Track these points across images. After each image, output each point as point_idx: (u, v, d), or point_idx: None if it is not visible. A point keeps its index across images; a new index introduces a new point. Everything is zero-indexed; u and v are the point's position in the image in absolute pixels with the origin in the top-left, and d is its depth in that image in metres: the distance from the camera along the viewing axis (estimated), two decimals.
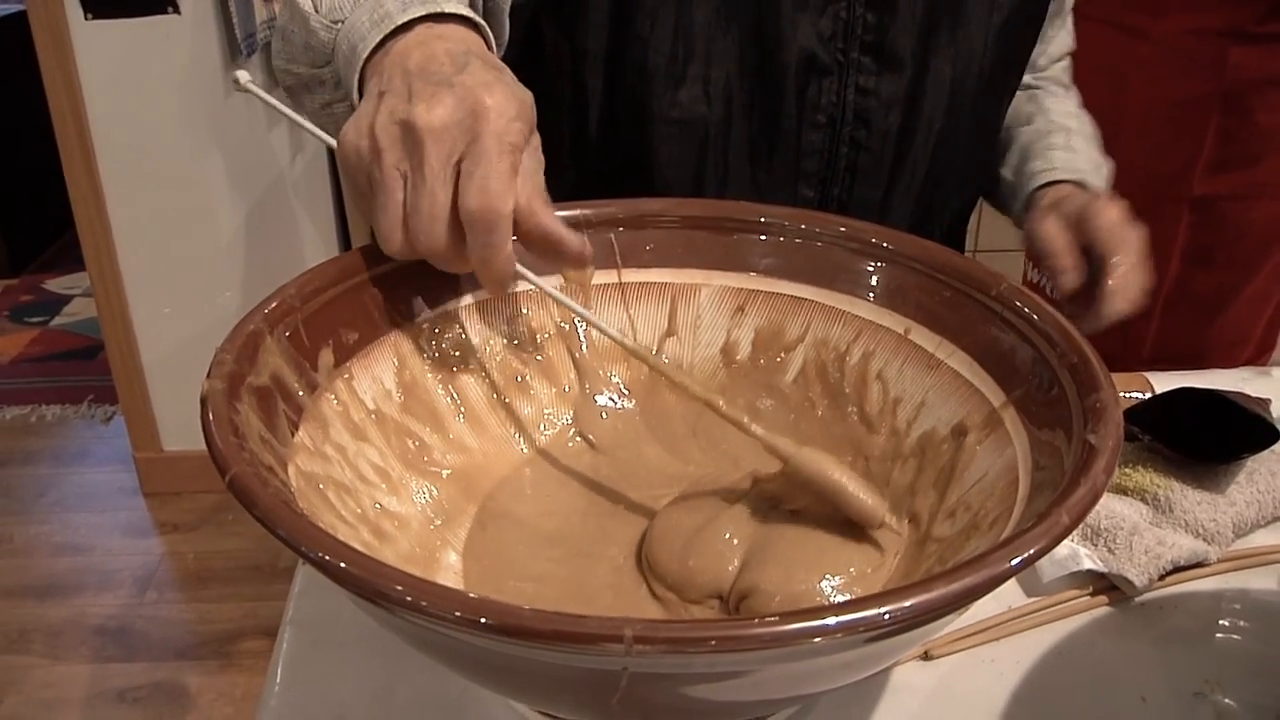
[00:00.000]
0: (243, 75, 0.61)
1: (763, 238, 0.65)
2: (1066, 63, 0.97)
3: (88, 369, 2.71)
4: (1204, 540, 0.61)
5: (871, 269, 0.63)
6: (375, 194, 0.52)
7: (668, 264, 0.67)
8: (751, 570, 0.51)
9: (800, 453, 0.52)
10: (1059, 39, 0.95)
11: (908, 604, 0.33)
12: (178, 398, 2.13)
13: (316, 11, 0.63)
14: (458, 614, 0.32)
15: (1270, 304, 1.49)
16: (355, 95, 0.58)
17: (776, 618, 0.31)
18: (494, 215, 0.49)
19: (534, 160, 0.54)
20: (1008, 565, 0.35)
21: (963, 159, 0.88)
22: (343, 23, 0.60)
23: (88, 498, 2.22)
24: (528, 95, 0.53)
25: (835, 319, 0.64)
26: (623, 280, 0.67)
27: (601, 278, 0.66)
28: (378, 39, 0.56)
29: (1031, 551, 0.35)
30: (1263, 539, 0.64)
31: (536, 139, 0.54)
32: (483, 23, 0.60)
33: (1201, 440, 0.65)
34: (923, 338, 0.60)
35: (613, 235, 0.67)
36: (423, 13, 0.56)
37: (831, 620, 0.33)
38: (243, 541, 2.02)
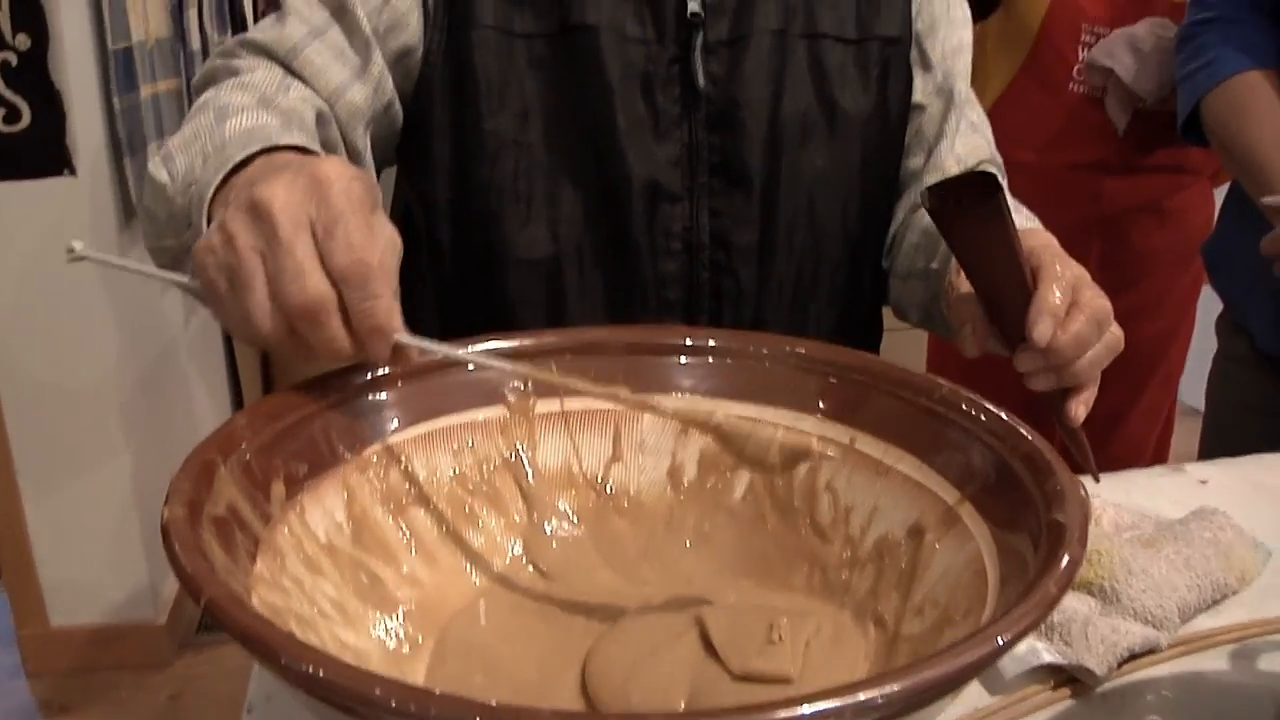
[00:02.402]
0: (77, 244, 0.60)
1: (710, 360, 0.66)
2: (992, 169, 0.87)
3: None
4: (1153, 627, 0.62)
5: (813, 384, 0.64)
6: (236, 281, 0.50)
7: None
8: (704, 701, 0.50)
9: (718, 417, 0.53)
10: (967, 139, 0.89)
11: (911, 682, 0.34)
12: (67, 568, 2.01)
13: (173, 181, 0.64)
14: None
15: (1160, 417, 1.57)
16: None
17: (798, 699, 0.31)
18: (364, 266, 0.49)
19: (388, 234, 0.53)
20: (1003, 640, 0.36)
21: (833, 268, 0.88)
22: (195, 183, 0.61)
23: None
24: (367, 174, 0.54)
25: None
26: (565, 408, 0.67)
27: (544, 406, 0.66)
28: (219, 178, 0.57)
29: (1028, 622, 0.36)
30: (1204, 623, 0.66)
31: (393, 229, 0.54)
32: (318, 150, 0.61)
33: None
34: (869, 446, 0.61)
35: (554, 363, 0.67)
36: (259, 147, 0.58)
37: (842, 701, 0.32)
38: (137, 719, 1.90)
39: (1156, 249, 1.43)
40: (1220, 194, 1.33)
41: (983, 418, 0.54)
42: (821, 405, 0.63)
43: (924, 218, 0.88)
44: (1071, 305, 0.66)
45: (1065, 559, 0.39)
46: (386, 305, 0.50)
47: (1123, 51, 1.33)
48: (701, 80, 0.80)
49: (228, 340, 2.59)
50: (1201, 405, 1.25)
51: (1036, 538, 0.44)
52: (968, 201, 0.64)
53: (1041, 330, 0.64)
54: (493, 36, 0.78)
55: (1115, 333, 0.68)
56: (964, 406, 0.56)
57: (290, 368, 2.70)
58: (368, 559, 0.56)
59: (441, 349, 0.56)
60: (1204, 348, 1.54)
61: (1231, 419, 1.16)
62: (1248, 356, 1.12)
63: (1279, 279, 0.98)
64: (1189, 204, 1.45)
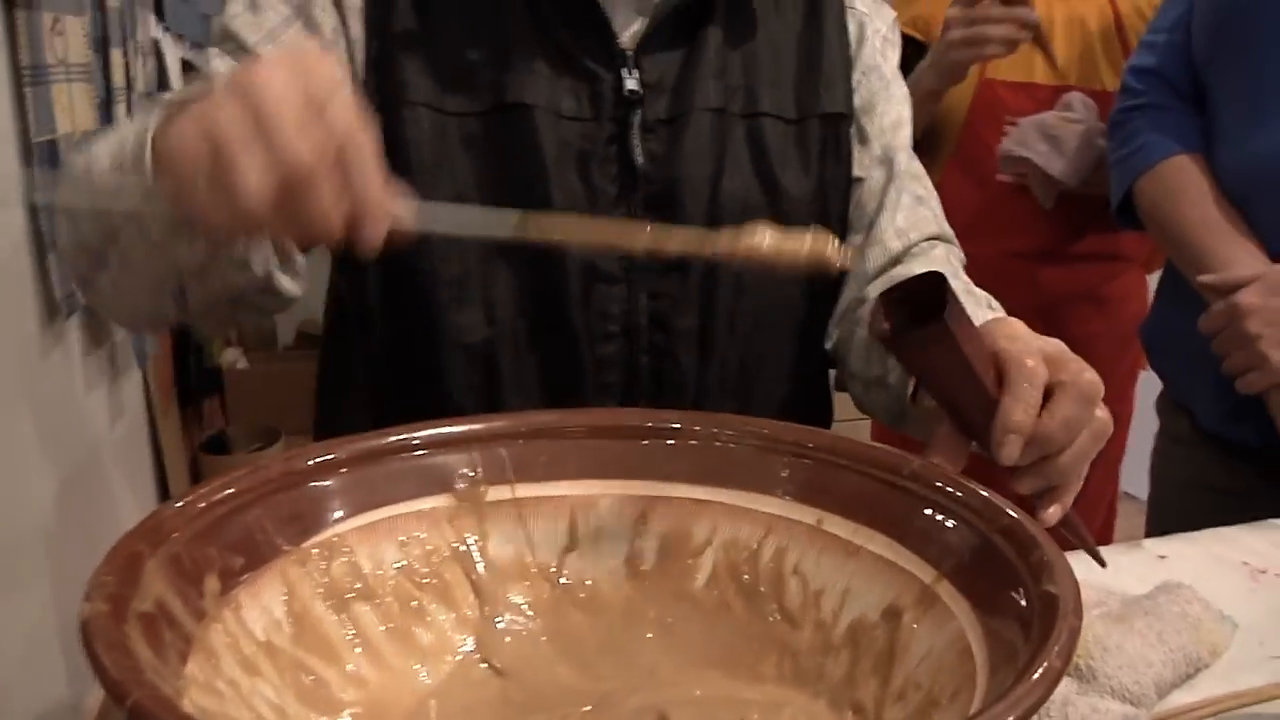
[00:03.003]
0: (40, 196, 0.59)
1: (670, 442, 0.64)
2: (942, 251, 0.87)
3: None
4: (1131, 704, 0.61)
5: (774, 464, 0.62)
6: (220, 154, 0.47)
7: (563, 476, 0.65)
8: None
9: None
10: (910, 212, 0.87)
11: None
12: None
13: (95, 163, 0.63)
14: None
15: (1104, 503, 1.58)
16: (149, 169, 0.56)
17: None
18: (360, 142, 0.49)
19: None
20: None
21: (777, 353, 0.86)
22: (129, 144, 0.60)
23: None
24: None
25: (742, 518, 0.62)
26: (517, 495, 0.64)
27: (495, 494, 0.63)
28: (166, 113, 0.55)
29: (1033, 701, 0.34)
30: (1179, 698, 0.64)
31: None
32: None
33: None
34: (837, 526, 0.59)
35: (504, 449, 0.64)
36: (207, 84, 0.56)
37: None
38: None
39: (1095, 336, 1.45)
40: (1153, 280, 1.36)
41: (957, 492, 0.53)
42: (787, 486, 0.61)
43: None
44: (1055, 385, 0.61)
45: (1064, 631, 0.37)
46: (381, 184, 0.50)
47: (1036, 140, 1.37)
48: (640, 159, 0.79)
49: (155, 444, 2.51)
50: (1135, 490, 1.25)
51: (1027, 612, 0.42)
52: (913, 319, 0.60)
53: (1008, 451, 0.60)
54: (425, 114, 0.77)
55: (1102, 416, 0.63)
56: (937, 482, 0.54)
57: (222, 471, 2.61)
58: (309, 658, 0.52)
59: (442, 220, 0.57)
60: (1136, 434, 1.57)
61: (1177, 497, 1.17)
62: (1189, 435, 1.13)
63: (1218, 356, 1.00)
64: (1124, 291, 1.48)
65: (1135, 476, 1.47)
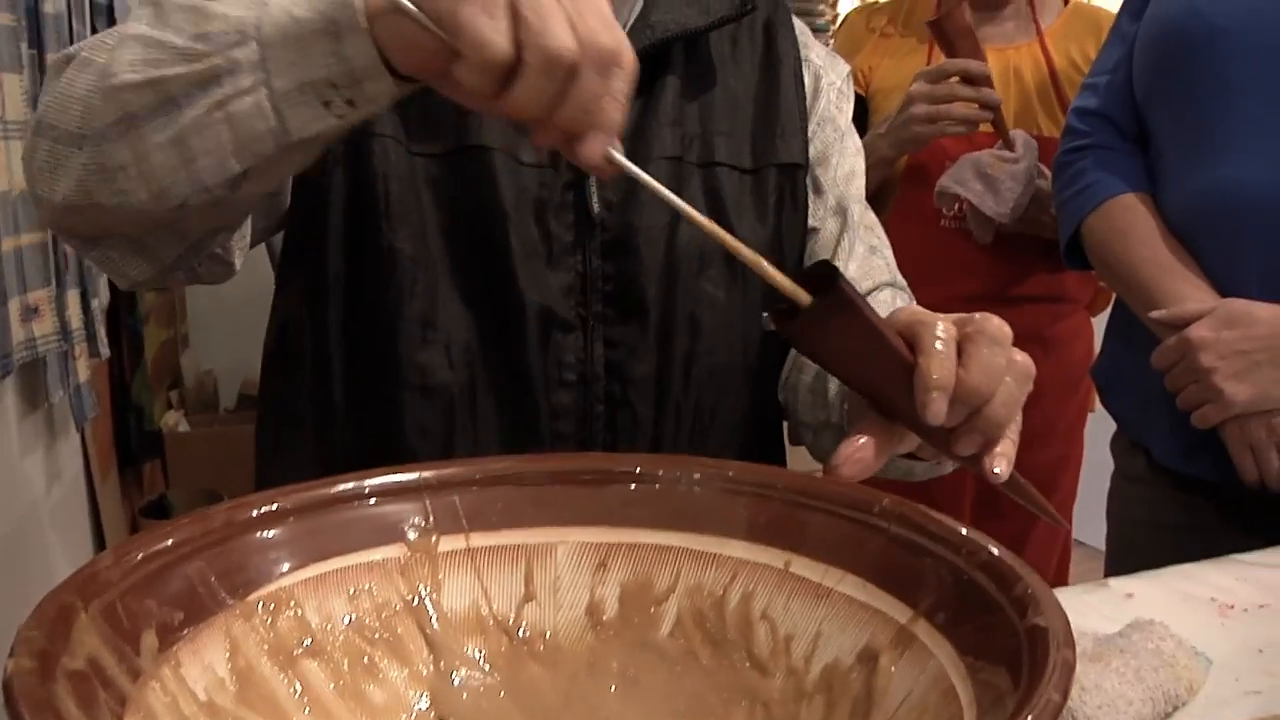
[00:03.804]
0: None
1: (630, 486, 0.62)
2: (888, 295, 0.88)
3: None
4: None
5: (738, 506, 0.61)
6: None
7: (519, 524, 0.63)
8: None
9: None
10: (864, 262, 0.88)
11: None
12: None
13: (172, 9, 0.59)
14: None
15: (1057, 546, 1.58)
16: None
17: None
18: (630, 57, 0.51)
19: None
20: None
21: (733, 401, 0.85)
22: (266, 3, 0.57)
23: None
24: None
25: (707, 563, 0.61)
26: (471, 545, 0.62)
27: (448, 544, 0.61)
28: None
29: None
30: None
31: None
32: None
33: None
34: (806, 568, 0.57)
35: (457, 497, 0.62)
36: None
37: None
38: None
39: (1042, 379, 1.44)
40: (1098, 323, 1.37)
41: (931, 528, 0.51)
42: (752, 529, 0.60)
43: None
44: (963, 337, 0.59)
45: (1059, 663, 0.36)
46: (624, 111, 0.53)
47: (971, 178, 1.38)
48: (596, 207, 0.79)
49: (94, 509, 2.43)
50: (1087, 538, 1.25)
51: (1015, 646, 0.40)
52: (811, 303, 0.59)
53: (935, 410, 0.57)
54: (392, 147, 0.76)
55: (1020, 359, 0.60)
56: (908, 515, 0.53)
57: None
58: (254, 719, 0.49)
59: (642, 176, 0.58)
60: (1085, 481, 1.58)
61: (1136, 536, 1.17)
62: (1146, 473, 1.13)
63: (1172, 392, 1.00)
64: (1070, 333, 1.49)
65: (1087, 524, 1.47)
